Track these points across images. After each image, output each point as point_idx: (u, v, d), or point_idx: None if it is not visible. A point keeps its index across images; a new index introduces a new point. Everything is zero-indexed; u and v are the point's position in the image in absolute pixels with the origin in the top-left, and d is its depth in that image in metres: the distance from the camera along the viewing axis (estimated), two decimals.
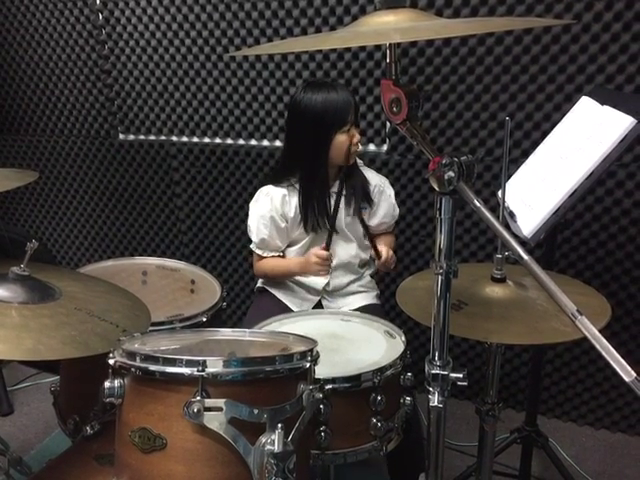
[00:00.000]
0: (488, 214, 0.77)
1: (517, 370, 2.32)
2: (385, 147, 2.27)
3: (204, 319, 1.62)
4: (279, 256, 1.83)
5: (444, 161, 0.81)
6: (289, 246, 1.82)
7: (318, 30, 2.20)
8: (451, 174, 0.82)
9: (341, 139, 1.64)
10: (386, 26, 0.78)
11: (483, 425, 1.32)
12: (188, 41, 2.41)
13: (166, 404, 0.90)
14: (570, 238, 2.08)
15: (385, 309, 2.15)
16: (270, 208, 1.73)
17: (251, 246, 1.84)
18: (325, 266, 1.70)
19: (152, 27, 2.44)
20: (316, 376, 1.12)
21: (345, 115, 1.62)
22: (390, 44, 0.85)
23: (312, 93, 1.62)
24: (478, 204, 0.78)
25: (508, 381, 2.34)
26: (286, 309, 1.79)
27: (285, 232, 1.77)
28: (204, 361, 0.89)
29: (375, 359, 1.34)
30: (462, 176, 0.81)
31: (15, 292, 1.17)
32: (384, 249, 1.72)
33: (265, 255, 1.81)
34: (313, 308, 1.81)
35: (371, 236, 1.80)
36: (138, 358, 0.92)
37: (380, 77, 2.18)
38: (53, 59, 2.69)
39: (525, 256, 0.73)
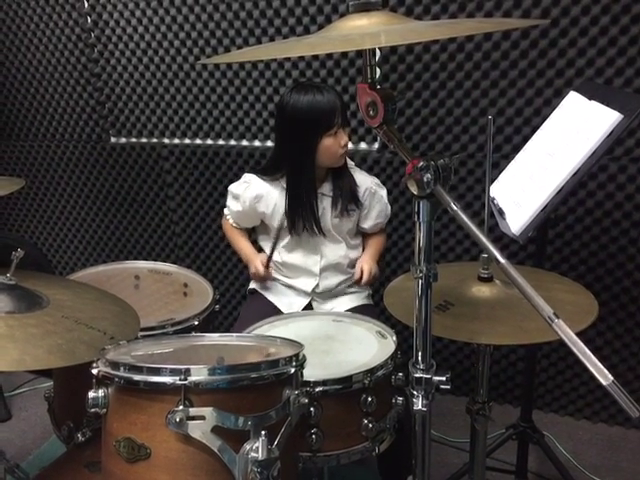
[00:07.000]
0: (465, 217, 0.77)
1: (513, 365, 2.31)
2: (376, 145, 2.26)
3: (196, 322, 1.62)
4: (247, 230, 1.92)
5: (420, 164, 0.80)
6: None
7: (307, 31, 2.20)
8: (428, 176, 0.81)
9: (328, 142, 1.62)
10: (357, 31, 0.77)
11: (474, 424, 1.32)
12: (177, 42, 2.40)
13: (149, 414, 0.90)
14: (563, 233, 2.07)
15: (380, 307, 2.14)
16: (243, 196, 1.77)
17: (225, 209, 1.91)
18: (258, 279, 1.83)
19: (141, 29, 2.43)
20: (307, 378, 1.11)
21: (331, 118, 1.61)
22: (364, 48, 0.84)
23: (298, 95, 1.61)
24: (455, 207, 0.78)
25: (504, 377, 2.34)
26: (276, 311, 1.78)
27: (254, 217, 1.82)
28: (187, 369, 0.89)
29: (366, 360, 1.33)
30: (439, 179, 0.81)
31: (1, 301, 1.17)
32: (365, 268, 1.77)
33: (233, 224, 1.90)
34: (304, 309, 1.80)
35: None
36: (121, 368, 0.92)
37: None
38: (42, 63, 2.68)
39: (502, 259, 0.73)
